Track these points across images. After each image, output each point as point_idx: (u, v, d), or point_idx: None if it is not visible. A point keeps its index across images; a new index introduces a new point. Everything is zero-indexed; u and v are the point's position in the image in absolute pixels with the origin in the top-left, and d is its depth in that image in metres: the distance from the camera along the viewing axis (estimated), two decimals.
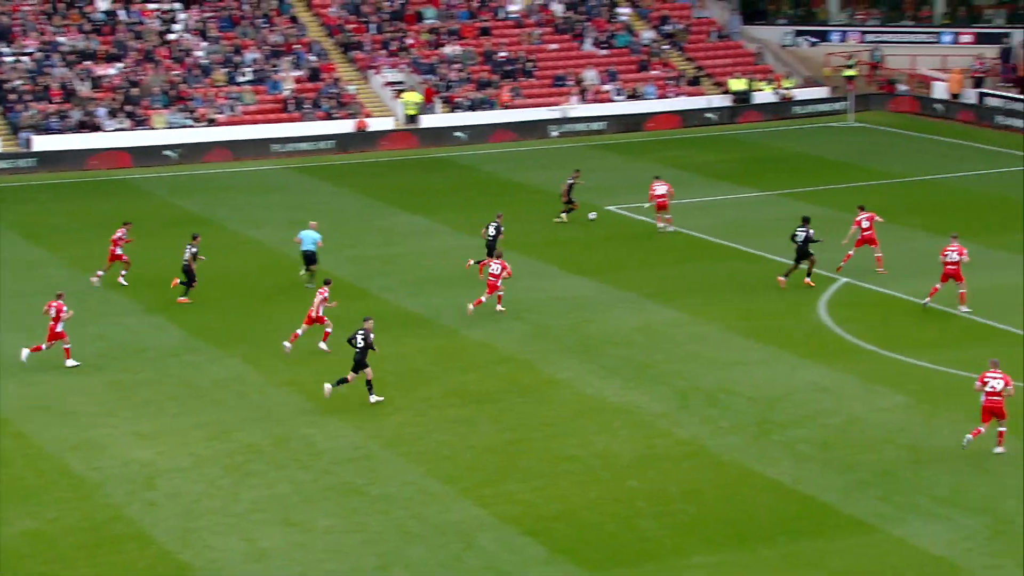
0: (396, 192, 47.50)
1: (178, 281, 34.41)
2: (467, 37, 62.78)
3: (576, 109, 59.25)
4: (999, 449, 24.88)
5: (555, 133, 58.14)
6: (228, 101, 56.45)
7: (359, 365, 27.53)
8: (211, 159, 53.52)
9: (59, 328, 29.91)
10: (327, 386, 27.68)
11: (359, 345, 27.53)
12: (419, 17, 63.49)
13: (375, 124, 56.89)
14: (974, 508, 22.67)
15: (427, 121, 57.52)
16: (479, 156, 54.35)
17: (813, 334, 31.75)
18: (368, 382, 27.65)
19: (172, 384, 29.13)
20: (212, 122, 55.36)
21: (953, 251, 32.72)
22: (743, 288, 35.40)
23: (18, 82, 55.18)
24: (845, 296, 34.66)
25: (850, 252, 36.12)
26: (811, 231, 34.64)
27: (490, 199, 46.67)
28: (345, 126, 56.44)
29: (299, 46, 60.06)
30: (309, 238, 35.80)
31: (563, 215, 42.40)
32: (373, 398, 27.68)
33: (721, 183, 46.77)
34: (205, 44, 59.32)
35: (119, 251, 35.79)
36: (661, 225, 41.10)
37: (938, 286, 32.96)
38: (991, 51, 62.73)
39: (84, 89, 55.69)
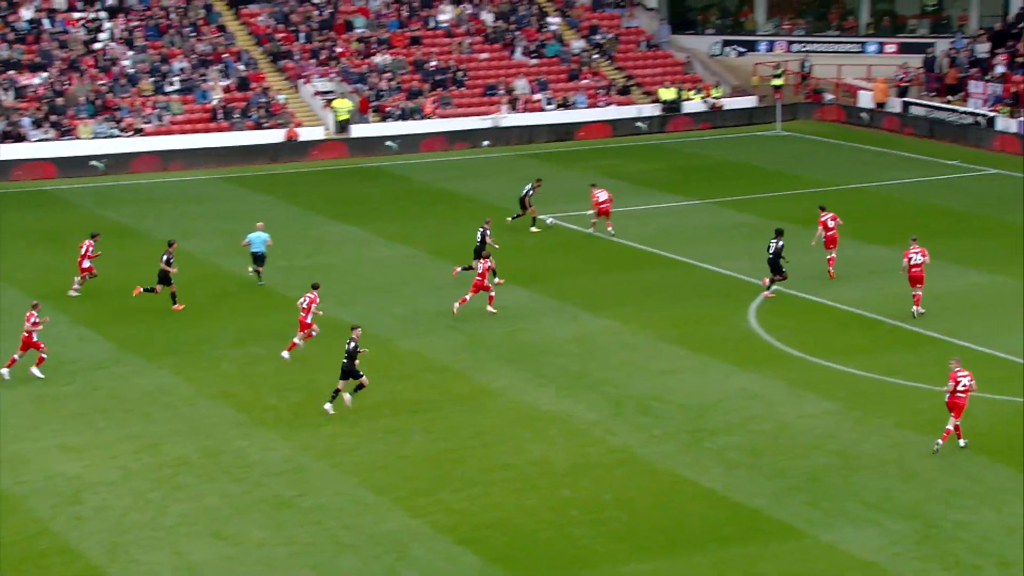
0: (327, 202, 47.32)
1: (160, 288, 34.22)
2: (397, 46, 62.73)
3: (507, 118, 59.39)
4: (963, 442, 25.37)
5: (486, 142, 58.24)
6: (155, 111, 55.94)
7: (346, 373, 27.52)
8: (139, 169, 53.00)
9: (35, 338, 29.62)
10: (347, 396, 27.60)
11: (347, 354, 27.60)
12: (349, 26, 63.34)
13: (305, 134, 56.64)
14: (902, 513, 22.98)
15: (358, 131, 57.37)
16: (411, 165, 54.30)
17: (743, 341, 32.04)
18: (346, 392, 27.50)
19: (100, 397, 28.79)
20: (139, 132, 54.82)
21: (916, 253, 33.16)
22: (675, 296, 35.64)
23: None
24: (774, 303, 35.01)
25: (830, 257, 36.59)
26: (782, 243, 34.65)
27: (423, 208, 46.67)
28: (275, 136, 56.13)
29: (228, 55, 59.68)
30: (259, 239, 36.30)
31: (533, 226, 42.72)
32: (327, 406, 27.45)
33: (652, 192, 47.09)
34: (132, 53, 58.75)
35: (87, 263, 35.55)
36: (611, 229, 41.63)
37: (913, 291, 33.40)
38: (915, 61, 63.74)
39: (8, 99, 54.93)
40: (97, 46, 58.86)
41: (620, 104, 61.83)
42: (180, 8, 61.89)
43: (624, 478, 24.58)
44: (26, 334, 29.55)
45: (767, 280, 34.93)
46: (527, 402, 28.28)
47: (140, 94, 56.80)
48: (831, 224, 36.71)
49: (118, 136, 54.40)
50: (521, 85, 61.33)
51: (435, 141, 57.64)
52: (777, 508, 23.23)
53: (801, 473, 24.56)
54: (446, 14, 65.27)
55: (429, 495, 23.93)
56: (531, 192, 42.82)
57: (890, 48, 67.18)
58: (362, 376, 27.59)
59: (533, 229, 42.71)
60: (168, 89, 57.40)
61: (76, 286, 35.76)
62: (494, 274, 34.79)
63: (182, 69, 58.38)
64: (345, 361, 27.51)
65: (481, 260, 33.88)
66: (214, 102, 56.96)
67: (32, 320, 29.56)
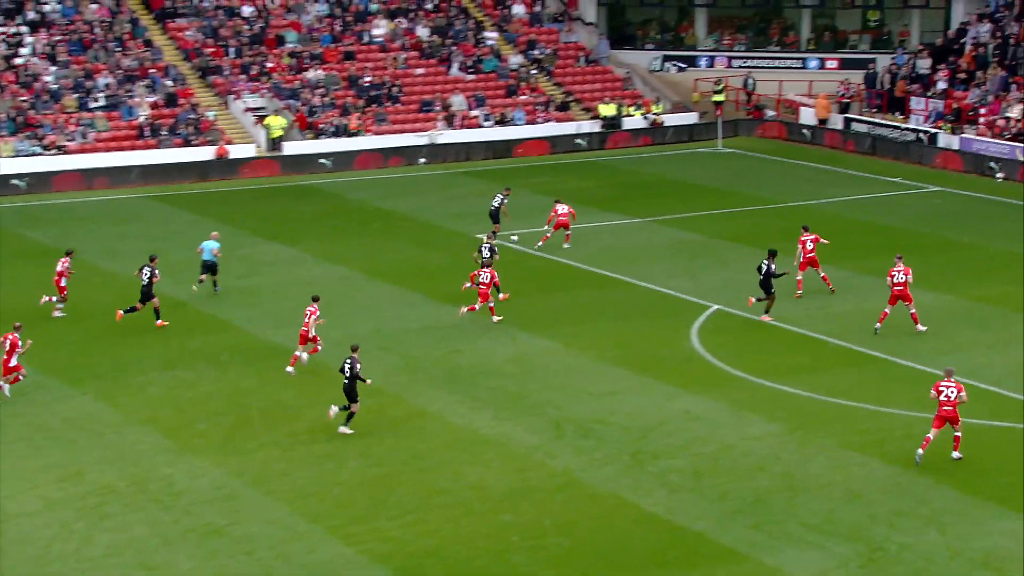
0: (259, 221, 47.07)
1: (121, 313, 34.16)
2: (330, 61, 62.61)
3: (444, 135, 59.43)
4: (956, 454, 25.93)
5: (422, 160, 58.24)
6: (80, 128, 55.41)
7: (348, 396, 27.61)
8: (62, 188, 52.46)
9: (12, 362, 29.32)
10: (333, 408, 27.79)
11: (346, 375, 27.63)
12: (280, 41, 63.15)
13: (236, 151, 56.34)
14: (846, 536, 23.16)
15: (290, 148, 57.16)
16: (345, 183, 54.17)
17: (685, 362, 32.21)
18: (351, 414, 27.72)
19: (20, 425, 28.39)
20: (62, 150, 54.27)
21: (899, 272, 33.48)
22: (616, 316, 35.77)
23: None
24: (717, 323, 35.24)
25: (799, 278, 36.85)
26: (773, 265, 34.70)
27: (357, 227, 46.56)
28: (205, 153, 55.79)
29: (154, 70, 59.26)
30: (208, 248, 36.95)
31: (513, 237, 43.33)
32: (343, 429, 27.66)
33: (591, 209, 47.26)
34: (54, 69, 58.18)
35: (63, 283, 35.49)
36: (567, 245, 42.22)
37: (887, 310, 33.74)
38: (856, 76, 64.54)
39: None
40: (18, 61, 58.21)
41: (559, 120, 62.08)
42: (105, 22, 61.40)
43: (565, 502, 24.59)
44: (5, 356, 29.35)
45: (753, 300, 34.86)
46: (465, 425, 28.24)
47: (63, 111, 56.24)
48: (810, 246, 36.99)
49: (40, 154, 53.80)
50: (458, 101, 61.42)
51: (370, 158, 57.55)
52: (720, 532, 23.34)
53: (744, 496, 24.70)
54: (380, 29, 65.25)
55: (364, 523, 23.81)
56: (503, 202, 43.34)
57: (831, 64, 68.01)
58: (357, 402, 27.61)
59: (513, 239, 43.35)
60: (92, 105, 56.88)
61: (58, 306, 35.61)
62: (497, 289, 35.49)
63: (107, 85, 57.88)
64: (346, 382, 27.58)
65: (487, 269, 34.65)
66: (141, 119, 56.51)
67: (16, 344, 29.34)
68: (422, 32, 65.70)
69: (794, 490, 24.91)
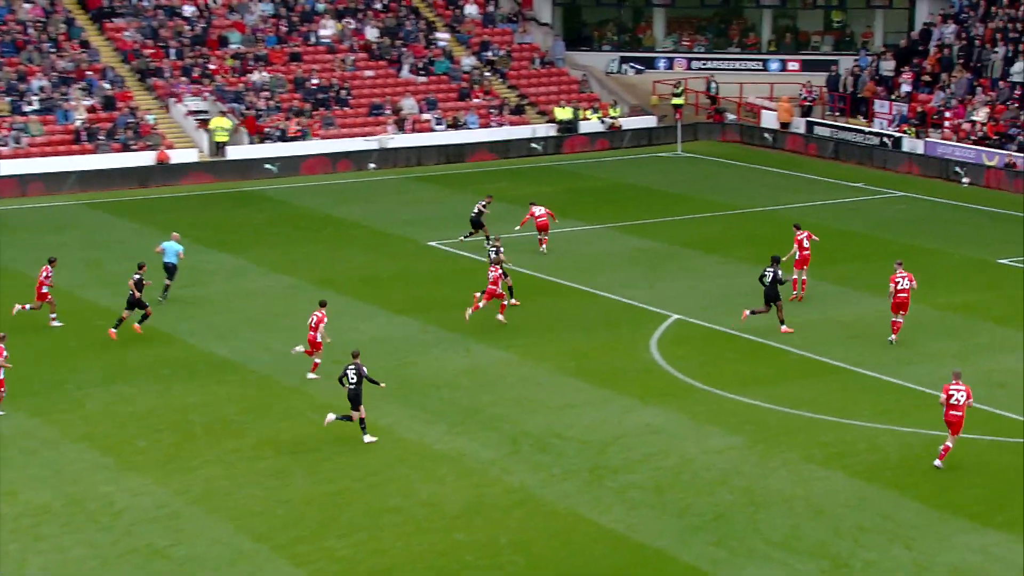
0: (201, 229, 46.84)
1: (114, 332, 34.33)
2: (276, 63, 62.45)
3: (394, 139, 59.41)
4: (938, 463, 26.32)
5: (372, 165, 58.17)
6: (13, 132, 54.97)
7: (355, 402, 27.75)
8: None
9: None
10: (330, 416, 28.00)
11: (352, 381, 27.77)
12: (223, 42, 62.92)
13: (177, 156, 56.07)
14: (810, 552, 23.31)
15: (234, 153, 56.96)
16: (291, 190, 54.03)
17: (645, 373, 32.33)
18: (362, 420, 27.86)
19: None
20: None
21: (903, 278, 33.68)
22: (573, 327, 35.86)
23: None
24: (677, 333, 35.40)
25: (795, 277, 37.05)
26: (780, 272, 34.63)
27: (305, 235, 46.44)
28: (145, 158, 55.48)
29: (91, 73, 58.90)
30: (171, 249, 37.04)
31: (464, 237, 43.85)
32: (367, 438, 27.80)
33: None
34: None
35: (45, 290, 35.48)
36: (543, 248, 42.58)
37: (897, 319, 33.91)
38: (819, 79, 65.02)
39: None
40: None
41: (513, 124, 62.20)
42: (39, 22, 60.97)
43: (521, 519, 24.62)
44: None
45: (747, 314, 34.66)
46: (417, 440, 28.22)
47: None
48: (806, 244, 37.38)
49: None
50: (409, 104, 61.41)
51: (317, 163, 57.44)
52: (681, 548, 23.44)
53: (706, 511, 24.82)
54: (328, 29, 65.16)
55: (312, 542, 23.74)
56: (484, 209, 43.68)
57: (793, 66, 68.54)
58: (362, 407, 27.83)
59: (487, 246, 43.40)
60: (26, 109, 56.45)
61: (52, 315, 35.72)
62: (510, 292, 36.30)
63: (42, 88, 57.46)
64: (352, 388, 27.76)
65: (492, 268, 35.40)
66: (77, 123, 56.14)
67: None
68: (371, 33, 65.66)
69: (756, 505, 25.06)
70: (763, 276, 34.75)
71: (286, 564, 22.94)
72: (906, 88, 60.78)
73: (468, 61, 65.40)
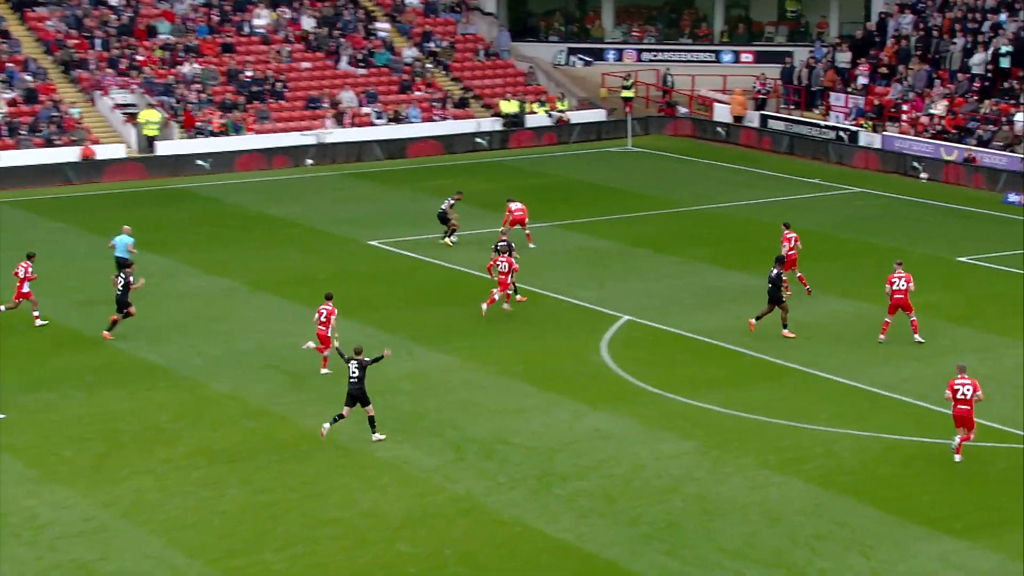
0: (130, 228, 46.47)
1: (109, 335, 34.55)
2: (207, 54, 62.16)
3: (332, 134, 59.27)
4: (958, 457, 26.79)
5: (310, 160, 58.01)
6: None
7: (355, 399, 27.86)
8: None
9: None
10: (325, 426, 28.04)
11: (355, 375, 27.84)
12: (151, 32, 62.54)
13: (103, 152, 55.68)
14: (765, 561, 23.47)
15: (164, 148, 56.62)
16: (224, 187, 53.78)
17: (595, 377, 32.44)
18: (371, 418, 28.07)
19: None
20: None
21: (900, 279, 33.91)
22: (520, 329, 35.92)
23: None
24: (627, 334, 35.54)
25: (785, 278, 37.25)
26: (781, 273, 34.66)
27: (239, 234, 46.25)
28: (69, 154, 55.05)
29: (12, 64, 58.38)
30: (121, 244, 37.79)
31: (450, 238, 43.88)
32: (376, 436, 28.05)
33: (492, 214, 47.35)
34: None
35: (26, 288, 35.51)
36: (532, 245, 42.95)
37: (888, 319, 34.17)
38: (773, 71, 65.44)
39: None
40: None
41: (457, 118, 62.22)
42: None
43: (466, 529, 24.65)
44: None
45: (754, 323, 34.60)
46: (357, 448, 28.19)
47: None
48: (794, 243, 37.88)
49: None
50: (348, 97, 61.28)
51: (252, 159, 57.21)
52: (633, 558, 23.55)
53: (658, 519, 24.95)
54: (262, 19, 64.91)
55: (247, 555, 23.66)
56: (452, 204, 43.85)
57: (746, 57, 69.00)
58: (370, 403, 28.08)
59: (448, 241, 43.88)
60: None
61: (35, 312, 35.73)
62: (515, 290, 37.02)
63: None
64: (355, 382, 27.85)
65: (505, 257, 36.22)
66: None
67: None
68: (307, 23, 65.47)
69: (710, 513, 25.21)
70: (770, 277, 34.79)
71: None
72: (862, 80, 61.33)
73: (409, 52, 65.36)
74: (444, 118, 61.90)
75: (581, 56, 69.92)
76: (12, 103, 56.63)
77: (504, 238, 38.47)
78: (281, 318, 36.51)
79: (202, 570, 23.15)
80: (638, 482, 26.53)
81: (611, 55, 69.87)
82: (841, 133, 59.13)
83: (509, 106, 62.78)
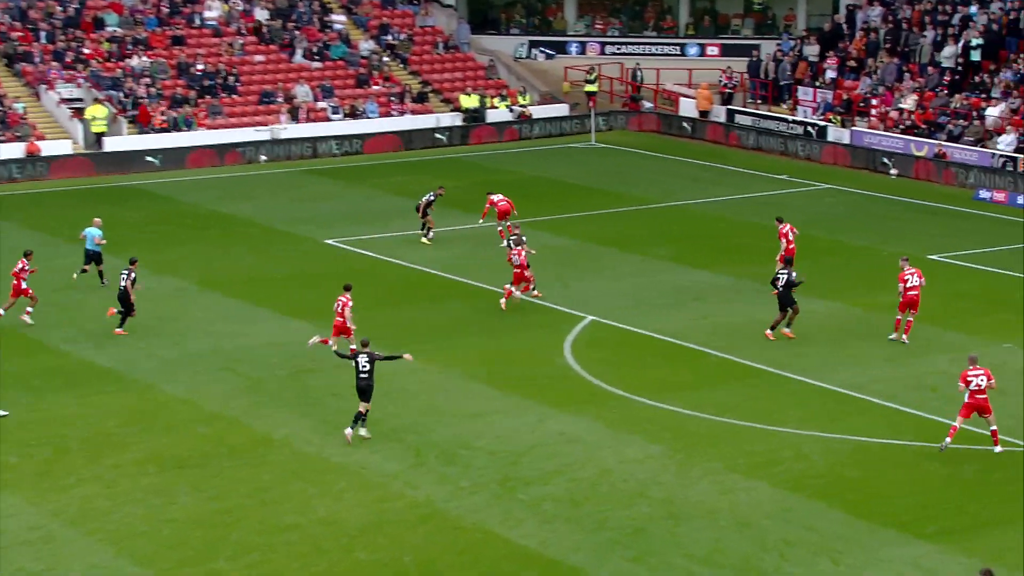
0: (76, 227, 46.13)
1: (114, 311, 34.90)
2: (157, 47, 61.88)
3: (287, 129, 59.12)
4: (998, 448, 27.27)
5: (263, 157, 57.85)
6: None
7: (365, 393, 28.10)
8: None
9: None
10: (347, 431, 28.21)
11: (365, 369, 28.06)
12: (99, 24, 62.22)
13: (49, 148, 55.35)
14: (734, 567, 23.57)
15: (112, 144, 56.34)
16: (175, 184, 53.56)
17: (559, 379, 32.49)
18: (363, 414, 28.22)
19: None
20: None
21: (913, 274, 34.07)
22: (482, 330, 35.94)
23: None
24: (592, 335, 35.61)
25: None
26: (793, 274, 34.61)
27: (191, 233, 46.08)
28: (13, 151, 54.70)
29: None
30: (91, 236, 38.56)
31: (426, 236, 43.89)
32: (364, 432, 28.30)
33: (453, 212, 47.39)
34: None
35: (24, 285, 35.70)
36: (514, 236, 42.68)
37: (900, 317, 34.32)
38: (739, 64, 65.66)
39: None
40: None
41: (416, 113, 62.19)
42: None
43: (427, 536, 24.64)
44: None
45: (777, 322, 34.58)
46: (314, 453, 28.14)
47: None
48: (791, 236, 38.33)
49: None
50: (303, 92, 61.16)
51: (204, 156, 57.01)
52: (598, 565, 23.59)
53: (624, 525, 25.01)
54: (213, 11, 64.68)
55: (199, 564, 23.59)
56: (432, 200, 43.81)
57: (712, 51, 69.21)
58: (370, 401, 28.23)
59: (425, 240, 43.86)
60: None
61: (28, 310, 35.79)
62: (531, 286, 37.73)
63: None
64: (365, 376, 28.07)
65: (516, 250, 37.07)
66: None
67: None
68: (261, 15, 65.29)
69: (677, 518, 25.29)
70: (775, 280, 34.80)
71: None
72: (831, 74, 61.64)
73: (366, 45, 65.26)
74: (402, 113, 61.84)
75: (543, 49, 69.97)
76: None
77: (516, 231, 38.92)
78: (235, 319, 36.39)
79: None
80: (604, 486, 26.59)
81: (574, 48, 69.97)
82: (809, 128, 59.39)
83: (469, 100, 62.79)
